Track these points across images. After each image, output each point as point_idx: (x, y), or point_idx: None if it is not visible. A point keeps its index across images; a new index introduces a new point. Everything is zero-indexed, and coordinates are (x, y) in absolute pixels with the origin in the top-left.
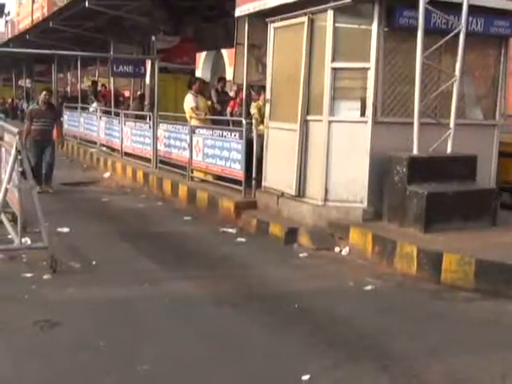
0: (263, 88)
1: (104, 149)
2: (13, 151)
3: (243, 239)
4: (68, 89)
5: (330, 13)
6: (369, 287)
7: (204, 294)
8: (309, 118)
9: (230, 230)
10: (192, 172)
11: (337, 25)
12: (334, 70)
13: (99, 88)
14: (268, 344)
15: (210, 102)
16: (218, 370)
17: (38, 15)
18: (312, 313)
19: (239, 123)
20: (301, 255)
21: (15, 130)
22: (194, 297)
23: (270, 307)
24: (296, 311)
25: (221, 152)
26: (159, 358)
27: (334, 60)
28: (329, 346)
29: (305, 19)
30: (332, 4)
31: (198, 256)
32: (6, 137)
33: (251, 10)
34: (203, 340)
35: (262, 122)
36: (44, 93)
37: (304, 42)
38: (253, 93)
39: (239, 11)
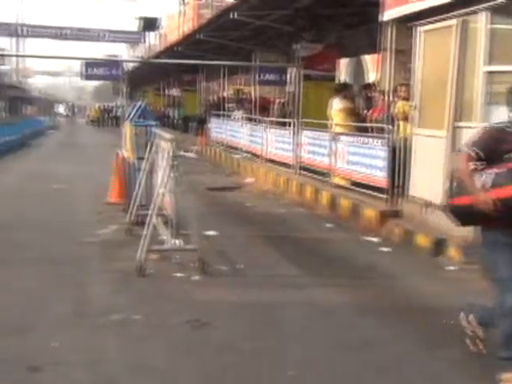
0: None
1: (246, 155)
2: (167, 157)
3: (387, 249)
4: (213, 97)
5: (484, 14)
6: None
7: (347, 303)
8: (459, 124)
9: (373, 239)
10: (333, 179)
11: (490, 26)
12: (488, 73)
13: (243, 96)
14: (414, 359)
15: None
16: (363, 380)
17: (186, 28)
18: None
19: (383, 130)
20: (449, 268)
21: (169, 136)
22: (338, 305)
23: (415, 321)
24: (444, 327)
25: (363, 159)
26: (305, 364)
27: (487, 63)
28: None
29: (455, 22)
30: (485, 5)
31: (340, 264)
32: (161, 143)
33: (397, 15)
34: (347, 349)
35: (404, 120)
36: None
37: (454, 46)
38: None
39: (385, 16)
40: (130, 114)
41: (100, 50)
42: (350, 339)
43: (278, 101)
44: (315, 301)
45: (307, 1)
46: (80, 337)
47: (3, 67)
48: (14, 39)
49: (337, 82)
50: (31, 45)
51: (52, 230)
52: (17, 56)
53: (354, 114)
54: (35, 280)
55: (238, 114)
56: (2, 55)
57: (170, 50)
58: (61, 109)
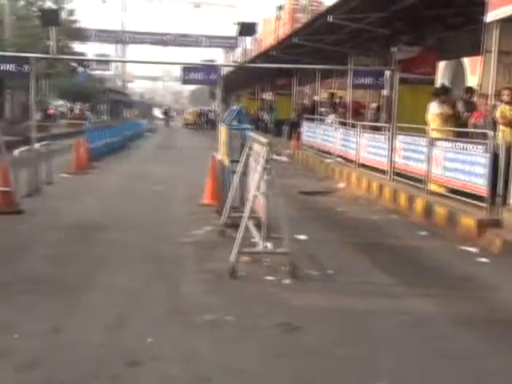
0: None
1: (339, 159)
2: (261, 161)
3: (485, 260)
4: (306, 101)
5: None
6: None
7: (442, 314)
8: None
9: (470, 249)
10: (429, 185)
11: None
12: None
13: (336, 100)
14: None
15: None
16: None
17: (281, 32)
18: None
19: (483, 135)
20: None
21: (265, 140)
22: (432, 315)
23: None
24: None
25: (462, 165)
26: (397, 374)
27: None
28: None
29: None
30: None
31: (435, 273)
32: (255, 146)
33: (503, 15)
34: (441, 360)
35: (507, 126)
36: None
37: None
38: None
39: (489, 16)
40: (226, 118)
41: (197, 55)
42: (444, 350)
43: (372, 105)
44: (409, 310)
45: (407, 2)
46: (175, 334)
47: (107, 72)
48: (116, 45)
49: (436, 85)
50: (132, 50)
51: (150, 230)
52: (121, 61)
53: (452, 119)
54: (133, 278)
55: (331, 118)
56: (108, 61)
57: (264, 55)
58: (157, 112)
